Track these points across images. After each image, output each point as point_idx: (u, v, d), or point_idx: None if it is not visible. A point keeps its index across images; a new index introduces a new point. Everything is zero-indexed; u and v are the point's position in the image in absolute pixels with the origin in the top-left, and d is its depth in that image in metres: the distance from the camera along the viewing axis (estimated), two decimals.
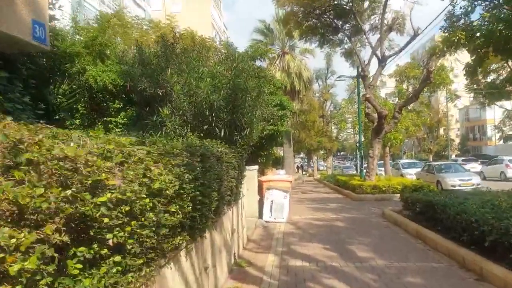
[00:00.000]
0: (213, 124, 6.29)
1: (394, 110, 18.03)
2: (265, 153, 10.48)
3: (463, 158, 38.73)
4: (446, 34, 11.68)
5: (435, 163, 24.89)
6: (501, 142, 45.16)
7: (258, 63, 11.06)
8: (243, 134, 6.89)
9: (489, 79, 39.86)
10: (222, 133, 6.33)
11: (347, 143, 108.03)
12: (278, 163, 38.98)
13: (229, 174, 5.43)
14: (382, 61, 17.47)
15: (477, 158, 40.64)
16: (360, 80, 20.21)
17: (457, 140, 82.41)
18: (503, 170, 28.79)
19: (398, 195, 16.77)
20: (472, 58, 11.52)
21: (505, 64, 37.52)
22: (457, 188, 19.77)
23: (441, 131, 73.00)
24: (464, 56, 18.26)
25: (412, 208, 9.13)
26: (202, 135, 6.21)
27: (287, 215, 10.40)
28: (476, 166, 31.05)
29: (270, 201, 10.35)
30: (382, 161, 24.82)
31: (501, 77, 39.19)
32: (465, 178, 20.33)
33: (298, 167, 63.97)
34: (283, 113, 10.29)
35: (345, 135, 58.41)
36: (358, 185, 17.55)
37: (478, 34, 10.73)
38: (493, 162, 31.90)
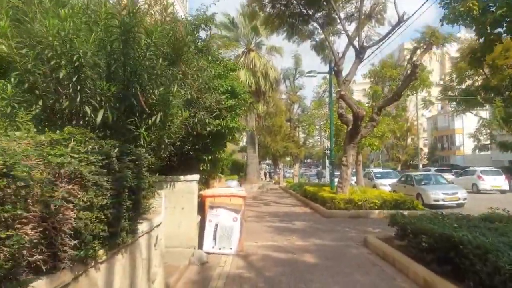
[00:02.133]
0: (78, 99, 3.30)
1: (372, 112, 15.54)
2: (210, 157, 7.56)
3: (436, 168, 37.17)
4: (446, 10, 9.12)
5: (415, 173, 22.68)
6: (477, 151, 44.05)
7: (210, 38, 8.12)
8: (149, 122, 3.96)
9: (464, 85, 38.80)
10: (100, 118, 3.36)
11: (314, 150, 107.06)
12: (240, 169, 36.14)
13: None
14: (360, 53, 14.96)
15: (451, 168, 39.29)
16: (333, 77, 17.66)
17: (425, 150, 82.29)
18: (475, 182, 27.23)
19: (376, 211, 14.33)
20: (480, 41, 8.96)
21: (481, 71, 36.50)
22: (440, 203, 17.56)
23: (409, 140, 72.55)
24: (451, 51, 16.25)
25: (413, 240, 6.41)
26: (57, 118, 3.26)
27: (237, 243, 7.48)
28: (451, 177, 29.31)
29: (214, 225, 7.41)
30: (355, 170, 22.40)
31: (476, 84, 38.22)
32: (449, 191, 18.11)
33: (265, 174, 61.39)
34: (234, 103, 7.40)
35: (312, 142, 56.27)
36: (329, 198, 14.88)
37: (493, 8, 8.21)
38: (464, 173, 30.37)
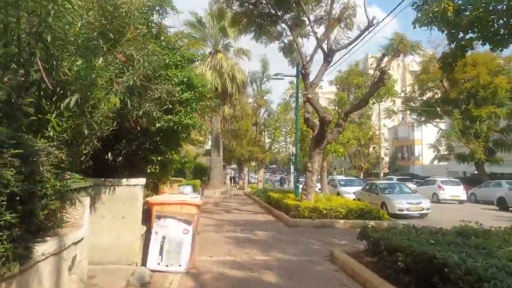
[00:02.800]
0: None
1: (338, 117, 14.96)
2: (160, 158, 6.55)
3: (398, 177, 37.44)
4: (418, 14, 8.59)
5: (379, 182, 22.39)
6: (436, 161, 44.94)
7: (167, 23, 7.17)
8: (61, 106, 2.95)
9: (424, 97, 39.54)
10: None
11: (279, 156, 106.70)
12: (203, 173, 34.93)
13: None
14: (329, 56, 14.33)
15: (412, 177, 39.72)
16: (301, 81, 17.00)
17: (386, 159, 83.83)
18: (436, 192, 27.53)
19: (342, 221, 13.68)
20: (451, 47, 8.48)
21: (440, 84, 37.27)
22: (405, 212, 17.20)
23: (371, 149, 73.58)
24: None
25: (387, 258, 5.64)
26: None
27: (187, 259, 6.46)
28: (413, 187, 29.40)
29: (161, 238, 6.37)
30: (319, 177, 21.85)
31: (436, 96, 39.03)
32: (414, 201, 17.79)
33: (231, 179, 60.28)
34: (190, 96, 6.44)
35: (278, 147, 55.73)
36: (293, 206, 14.10)
37: (467, 12, 7.71)
38: (425, 182, 30.64)
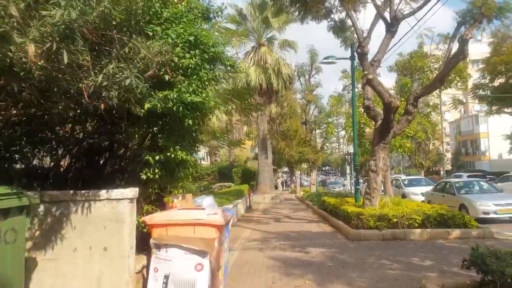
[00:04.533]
0: None
1: (407, 103, 12.17)
2: (159, 157, 4.38)
3: (468, 174, 33.22)
4: None
5: (455, 180, 19.06)
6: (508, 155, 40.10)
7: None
8: None
9: (496, 82, 34.92)
10: None
11: (332, 157, 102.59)
12: (251, 177, 32.84)
13: None
14: (392, 26, 11.64)
15: (483, 174, 35.22)
16: (357, 62, 14.39)
17: (448, 155, 77.63)
18: None
19: (418, 231, 10.90)
20: None
21: None
22: (491, 216, 14.01)
23: (431, 145, 68.10)
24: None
25: None
26: None
27: None
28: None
29: (163, 277, 4.19)
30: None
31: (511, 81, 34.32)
32: (502, 201, 14.49)
33: (283, 183, 58.04)
34: (195, 61, 4.22)
35: (330, 147, 52.30)
36: (355, 214, 11.48)
37: None
38: (503, 179, 26.50)
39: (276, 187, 43.01)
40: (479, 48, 38.59)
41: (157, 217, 4.61)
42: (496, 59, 30.90)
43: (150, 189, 4.77)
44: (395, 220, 10.83)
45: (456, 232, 10.51)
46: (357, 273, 6.77)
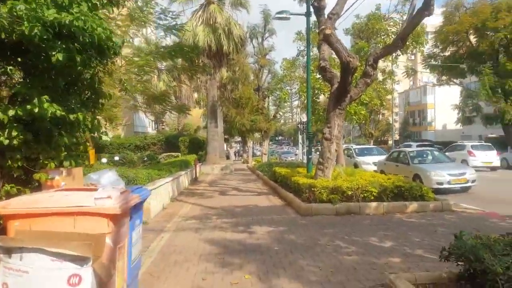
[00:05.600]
0: None
1: (365, 64, 11.02)
2: (16, 112, 2.77)
3: (418, 143, 33.49)
4: None
5: (409, 149, 18.56)
6: (459, 125, 41.13)
7: None
8: None
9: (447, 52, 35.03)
10: None
11: (285, 127, 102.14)
12: (200, 147, 31.22)
13: None
14: None
15: (432, 143, 35.76)
16: (313, 24, 12.96)
17: (396, 125, 79.50)
18: (465, 158, 23.74)
19: (374, 204, 9.98)
20: None
21: (465, 36, 32.73)
22: (445, 186, 13.56)
23: (380, 115, 69.09)
24: None
25: None
26: None
27: None
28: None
29: None
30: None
31: (461, 51, 34.51)
32: (456, 172, 14.06)
33: (235, 153, 56.74)
34: None
35: (283, 117, 51.44)
36: (306, 186, 10.37)
37: None
38: (451, 148, 26.82)
39: (228, 157, 41.69)
40: (432, 20, 38.58)
41: (17, 203, 3.07)
42: (449, 28, 30.73)
43: (9, 161, 3.18)
44: (349, 192, 9.86)
45: (413, 205, 9.72)
46: (308, 260, 5.60)
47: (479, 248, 3.28)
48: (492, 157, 24.01)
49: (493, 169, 23.55)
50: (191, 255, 6.09)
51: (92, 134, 4.35)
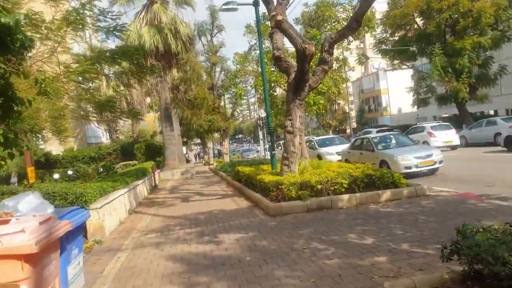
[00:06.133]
0: None
1: (321, 50, 10.49)
2: None
3: (377, 129, 33.81)
4: None
5: (372, 135, 18.37)
6: (415, 108, 42.08)
7: None
8: None
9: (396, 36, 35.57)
10: None
11: (244, 124, 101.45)
12: (157, 153, 29.92)
13: None
14: None
15: (391, 128, 36.23)
16: (261, 15, 12.29)
17: (353, 113, 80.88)
18: (426, 139, 24.02)
19: (346, 197, 9.47)
20: None
21: (412, 18, 33.36)
22: (413, 170, 13.33)
23: (336, 105, 69.90)
24: None
25: None
26: None
27: None
28: None
29: None
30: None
31: (409, 34, 35.13)
32: (422, 154, 13.87)
33: (196, 156, 55.52)
34: None
35: (241, 115, 50.74)
36: (273, 184, 9.70)
37: None
38: (411, 131, 27.17)
39: (188, 161, 40.48)
40: (379, 6, 39.14)
41: None
42: (396, 12, 31.13)
43: None
44: (319, 186, 9.30)
45: (387, 194, 9.29)
46: (286, 270, 4.92)
47: (497, 247, 2.69)
48: (452, 136, 24.28)
49: (453, 148, 23.81)
50: (152, 277, 5.26)
51: (10, 150, 3.49)
